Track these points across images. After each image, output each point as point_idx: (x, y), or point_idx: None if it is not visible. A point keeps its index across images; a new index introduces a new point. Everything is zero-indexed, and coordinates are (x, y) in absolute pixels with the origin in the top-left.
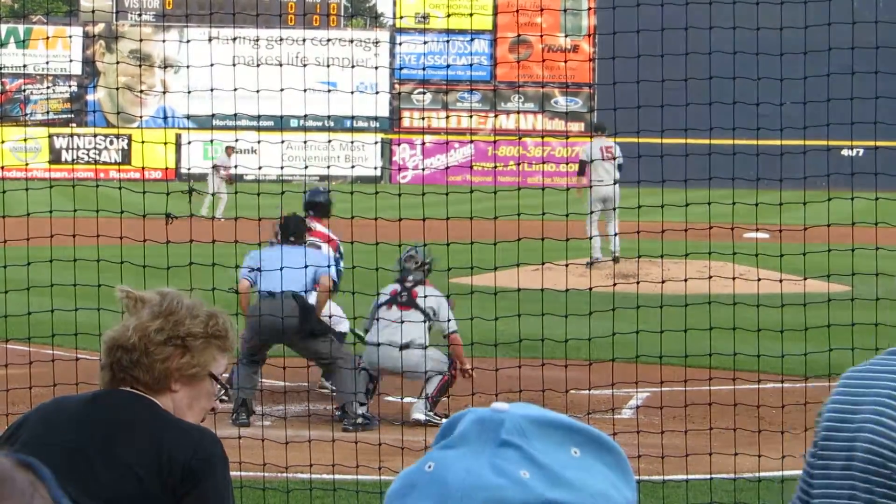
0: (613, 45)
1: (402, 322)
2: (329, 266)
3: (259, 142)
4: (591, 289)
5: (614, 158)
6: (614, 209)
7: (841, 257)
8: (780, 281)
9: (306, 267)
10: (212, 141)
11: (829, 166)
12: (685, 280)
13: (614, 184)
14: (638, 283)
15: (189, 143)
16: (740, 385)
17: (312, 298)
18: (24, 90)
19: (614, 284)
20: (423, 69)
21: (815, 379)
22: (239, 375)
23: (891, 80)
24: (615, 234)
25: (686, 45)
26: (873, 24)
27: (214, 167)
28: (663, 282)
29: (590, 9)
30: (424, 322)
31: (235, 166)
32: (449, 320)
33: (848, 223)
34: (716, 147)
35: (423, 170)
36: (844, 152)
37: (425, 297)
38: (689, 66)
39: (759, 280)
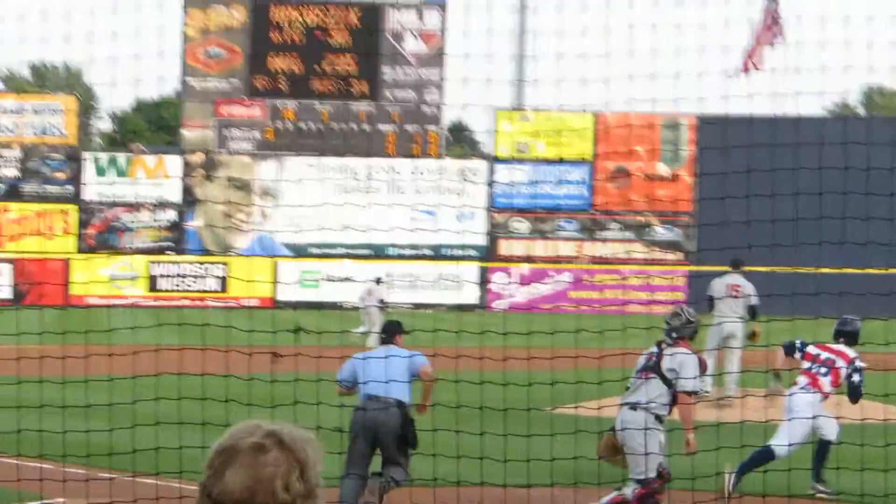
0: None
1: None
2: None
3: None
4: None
5: (739, 296)
6: (739, 348)
7: None
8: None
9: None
10: (304, 270)
11: None
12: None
13: (740, 320)
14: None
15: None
16: None
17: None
18: (121, 218)
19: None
20: (517, 197)
21: None
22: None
23: None
24: (732, 373)
25: (798, 183)
26: None
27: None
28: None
29: (689, 139)
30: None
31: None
32: (688, 378)
33: None
34: (802, 276)
35: (511, 297)
36: None
37: (671, 355)
38: (776, 202)
39: None
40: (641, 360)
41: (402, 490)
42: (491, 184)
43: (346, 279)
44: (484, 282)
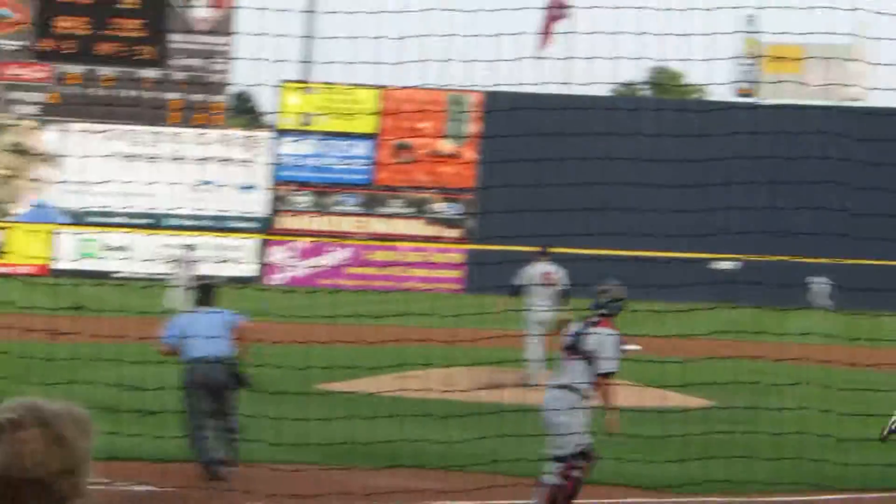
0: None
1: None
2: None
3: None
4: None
5: (551, 283)
6: (545, 335)
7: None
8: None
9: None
10: (83, 237)
11: (695, 278)
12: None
13: (550, 307)
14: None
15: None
16: None
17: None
18: None
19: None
20: (300, 170)
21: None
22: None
23: (753, 193)
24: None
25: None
26: (751, 136)
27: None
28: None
29: (473, 115)
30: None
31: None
32: (606, 358)
33: (709, 335)
34: (581, 256)
35: (291, 270)
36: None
37: (593, 335)
38: (565, 176)
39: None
40: (567, 339)
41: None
42: (274, 156)
43: (123, 248)
44: (263, 255)
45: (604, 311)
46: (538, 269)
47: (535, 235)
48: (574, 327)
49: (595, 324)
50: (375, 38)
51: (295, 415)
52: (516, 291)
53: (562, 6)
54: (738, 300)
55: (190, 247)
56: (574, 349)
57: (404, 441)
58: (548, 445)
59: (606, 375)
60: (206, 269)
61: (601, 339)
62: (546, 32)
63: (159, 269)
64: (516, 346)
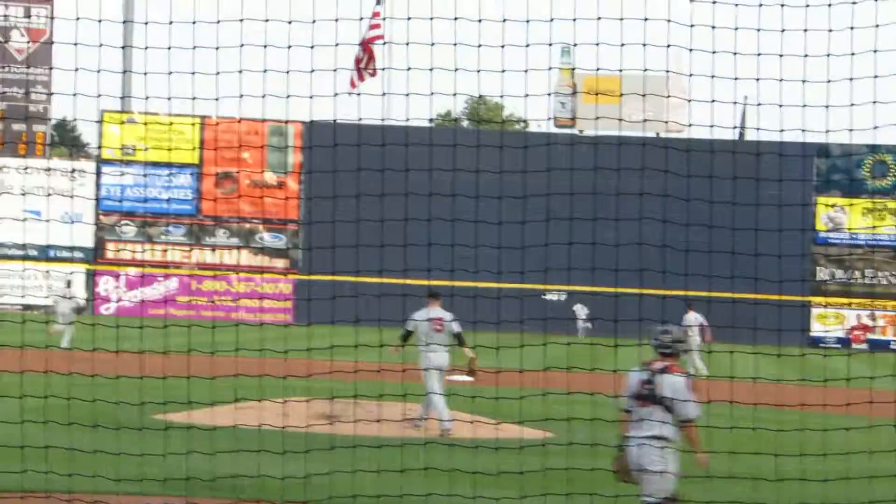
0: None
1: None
2: None
3: None
4: (283, 428)
5: (442, 330)
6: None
7: (534, 403)
8: (472, 423)
9: None
10: None
11: (523, 310)
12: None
13: (447, 350)
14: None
15: None
16: None
17: None
18: None
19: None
20: (121, 201)
21: None
22: None
23: (583, 225)
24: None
25: (382, 186)
26: (569, 171)
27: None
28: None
29: (294, 147)
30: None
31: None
32: (686, 402)
33: (541, 367)
34: (409, 288)
35: (119, 301)
36: (546, 296)
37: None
38: (386, 207)
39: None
40: (633, 385)
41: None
42: (98, 186)
43: None
44: (91, 285)
45: (667, 351)
46: (429, 316)
47: (363, 270)
48: (639, 375)
49: (664, 369)
50: (192, 73)
51: (133, 448)
52: (406, 337)
53: (372, 42)
54: (566, 332)
55: (69, 282)
56: (648, 398)
57: (244, 476)
58: (644, 487)
59: (690, 421)
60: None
61: (674, 384)
62: (362, 68)
63: None
64: (347, 379)
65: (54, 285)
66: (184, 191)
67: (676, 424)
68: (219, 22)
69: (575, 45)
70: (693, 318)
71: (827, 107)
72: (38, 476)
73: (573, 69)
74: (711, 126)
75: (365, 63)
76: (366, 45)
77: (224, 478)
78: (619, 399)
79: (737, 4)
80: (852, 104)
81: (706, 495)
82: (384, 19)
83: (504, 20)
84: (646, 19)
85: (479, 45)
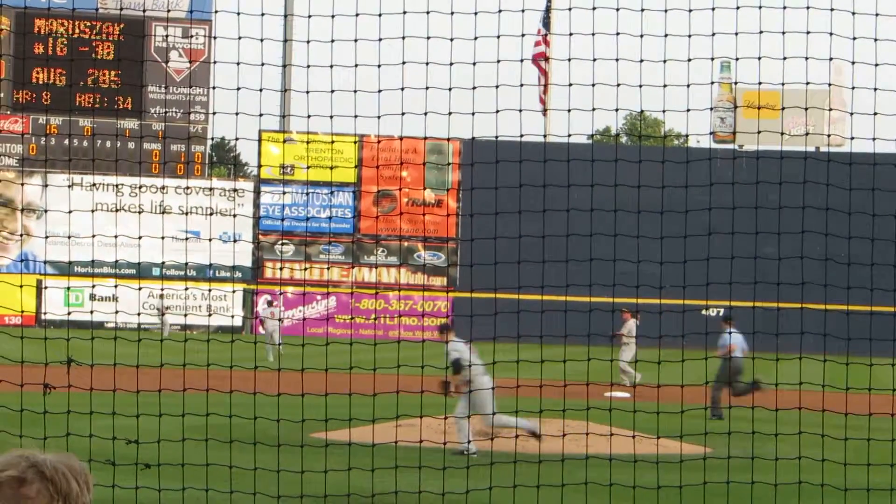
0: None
1: None
2: None
3: (116, 286)
4: (444, 443)
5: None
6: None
7: (695, 417)
8: (633, 437)
9: None
10: (68, 288)
11: (685, 325)
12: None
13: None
14: (492, 439)
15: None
16: None
17: None
18: None
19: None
20: (282, 220)
21: None
22: None
23: (746, 239)
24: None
25: (544, 202)
26: (730, 185)
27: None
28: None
29: (453, 164)
30: None
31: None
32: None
33: (702, 383)
34: (571, 304)
35: (281, 320)
36: (704, 311)
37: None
38: (547, 223)
39: (610, 436)
40: None
41: None
42: (257, 206)
43: (113, 298)
44: (250, 304)
45: None
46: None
47: (523, 287)
48: None
49: None
50: (354, 91)
51: (293, 466)
52: (458, 368)
53: (544, 58)
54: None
55: (270, 302)
56: None
57: (404, 491)
58: None
59: None
60: (193, 319)
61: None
62: (543, 84)
63: (146, 319)
64: (508, 395)
65: (261, 309)
66: (342, 209)
67: None
68: (380, 40)
69: (736, 59)
70: (633, 325)
71: None
72: (198, 493)
73: (733, 83)
74: (873, 139)
75: (541, 81)
76: (536, 62)
77: (384, 494)
78: None
79: None
80: None
81: None
82: (546, 35)
83: (666, 35)
84: (808, 32)
85: (641, 61)
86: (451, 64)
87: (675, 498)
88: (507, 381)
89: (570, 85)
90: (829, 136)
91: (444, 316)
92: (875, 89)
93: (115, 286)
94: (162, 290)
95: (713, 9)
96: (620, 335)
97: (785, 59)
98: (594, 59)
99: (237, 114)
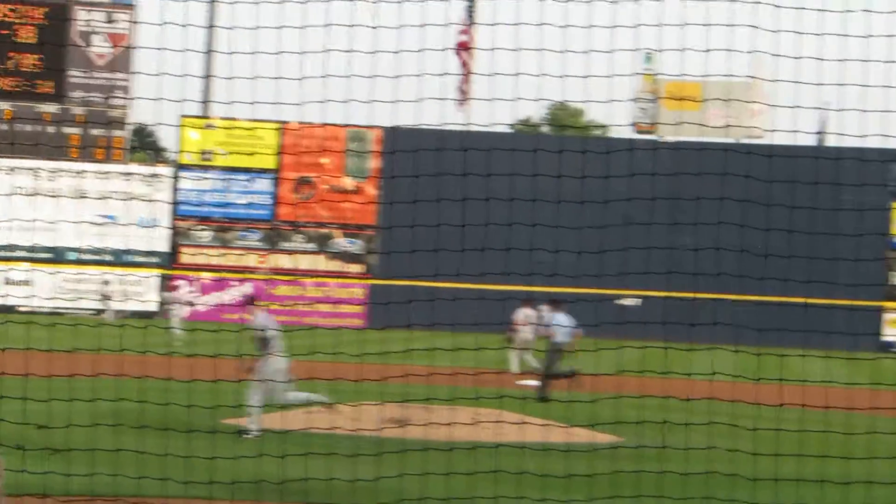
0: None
1: None
2: None
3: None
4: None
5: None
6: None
7: (607, 406)
8: (545, 426)
9: None
10: None
11: (599, 315)
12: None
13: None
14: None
15: None
16: None
17: None
18: None
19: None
20: (198, 206)
21: None
22: None
23: (664, 230)
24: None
25: (463, 191)
26: (650, 176)
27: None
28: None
29: (374, 152)
30: None
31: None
32: None
33: (616, 372)
34: (488, 293)
35: (192, 305)
36: (618, 301)
37: None
38: (466, 212)
39: (522, 424)
40: None
41: None
42: (176, 191)
43: (25, 283)
44: (165, 289)
45: None
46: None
47: (439, 274)
48: None
49: None
50: (275, 78)
51: (203, 452)
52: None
53: (466, 47)
54: (642, 336)
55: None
56: None
57: (313, 478)
58: None
59: None
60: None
61: None
62: (463, 74)
63: (61, 303)
64: (423, 382)
65: (166, 295)
66: (261, 196)
67: None
68: (304, 27)
69: (659, 50)
70: (525, 314)
71: None
72: (108, 479)
73: (655, 75)
74: (794, 132)
75: (463, 70)
76: (459, 52)
77: (294, 481)
78: None
79: (821, 10)
80: None
81: (776, 497)
82: (470, 25)
83: (590, 26)
84: (730, 25)
85: (564, 51)
86: (375, 52)
87: (585, 487)
88: (420, 369)
89: (493, 75)
90: (749, 128)
91: (361, 303)
92: (796, 83)
93: (30, 270)
94: (104, 275)
95: (637, 0)
96: (516, 324)
97: (708, 51)
98: (517, 49)
99: (159, 99)
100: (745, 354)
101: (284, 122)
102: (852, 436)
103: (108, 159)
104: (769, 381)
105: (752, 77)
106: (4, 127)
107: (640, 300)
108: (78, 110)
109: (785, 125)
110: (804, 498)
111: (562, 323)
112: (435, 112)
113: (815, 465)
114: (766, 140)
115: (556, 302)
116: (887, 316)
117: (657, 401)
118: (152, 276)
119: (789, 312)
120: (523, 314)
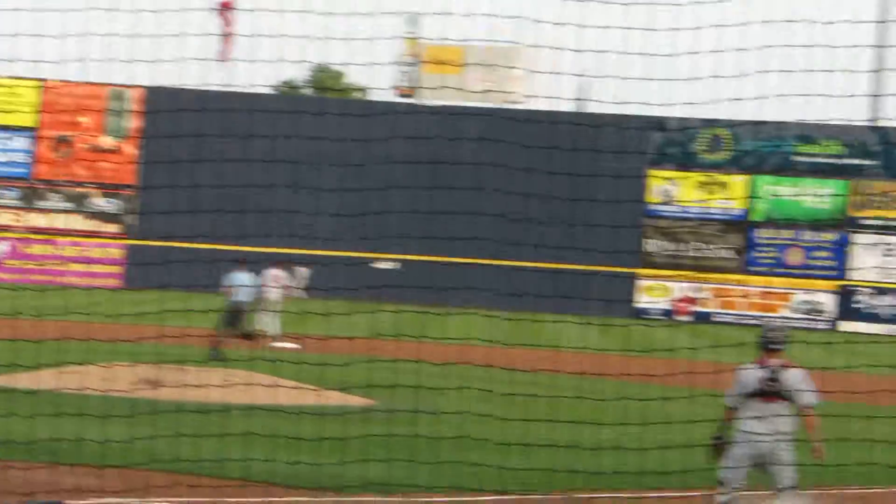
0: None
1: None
2: None
3: None
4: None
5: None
6: None
7: (360, 369)
8: (297, 388)
9: None
10: None
11: (356, 278)
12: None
13: None
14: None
15: None
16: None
17: None
18: None
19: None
20: None
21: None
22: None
23: (422, 194)
24: None
25: (223, 152)
26: (410, 140)
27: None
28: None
29: (135, 111)
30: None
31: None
32: (810, 392)
33: (370, 335)
34: (247, 255)
35: None
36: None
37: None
38: (227, 173)
39: (276, 387)
40: (751, 383)
41: None
42: None
43: None
44: None
45: (778, 347)
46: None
47: (197, 235)
48: (757, 373)
49: (783, 365)
50: (35, 35)
51: None
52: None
53: (229, 8)
54: (399, 300)
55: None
56: (773, 394)
57: (63, 439)
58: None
59: (810, 407)
60: None
61: (795, 376)
62: (225, 34)
63: None
64: (177, 343)
65: None
66: (19, 154)
67: (796, 413)
68: None
69: (421, 14)
70: (274, 274)
71: (666, 80)
72: None
73: (417, 38)
74: (554, 98)
75: (226, 31)
76: (222, 13)
77: (44, 441)
78: (727, 396)
79: None
80: (692, 78)
81: (528, 462)
82: None
83: None
84: None
85: (327, 14)
86: (137, 12)
87: (337, 450)
88: (179, 330)
89: (255, 36)
90: (510, 93)
91: (117, 263)
92: (558, 48)
93: None
94: None
95: None
96: (264, 285)
97: (470, 15)
98: (281, 11)
99: None
100: (499, 319)
101: (44, 80)
102: (603, 402)
103: None
104: (524, 347)
105: (514, 42)
106: None
107: (398, 263)
108: None
109: (545, 91)
110: (556, 463)
111: (243, 282)
112: (196, 73)
113: (567, 430)
114: (526, 106)
115: (240, 262)
116: (641, 283)
117: (411, 365)
118: None
119: (546, 278)
120: (272, 275)
